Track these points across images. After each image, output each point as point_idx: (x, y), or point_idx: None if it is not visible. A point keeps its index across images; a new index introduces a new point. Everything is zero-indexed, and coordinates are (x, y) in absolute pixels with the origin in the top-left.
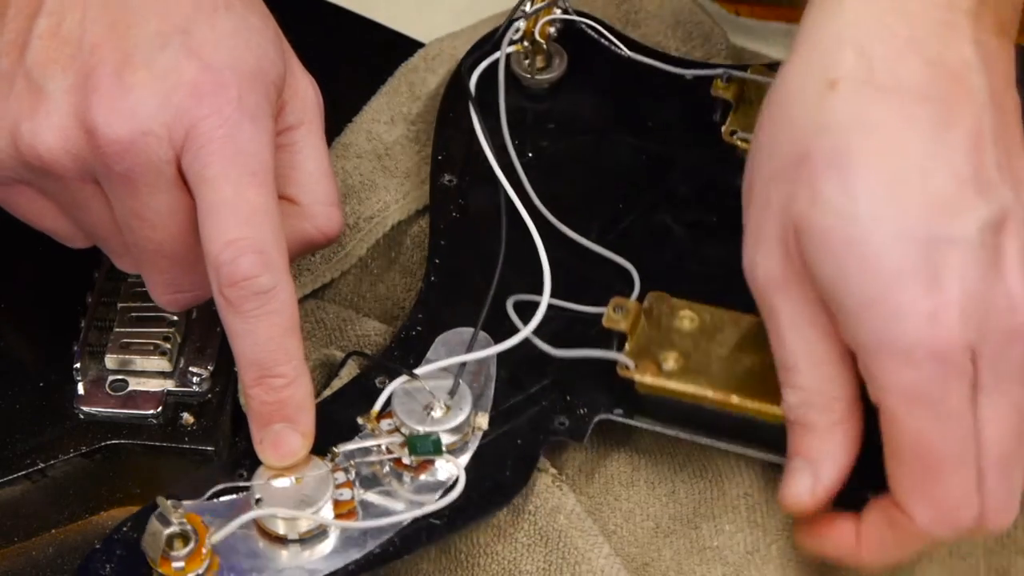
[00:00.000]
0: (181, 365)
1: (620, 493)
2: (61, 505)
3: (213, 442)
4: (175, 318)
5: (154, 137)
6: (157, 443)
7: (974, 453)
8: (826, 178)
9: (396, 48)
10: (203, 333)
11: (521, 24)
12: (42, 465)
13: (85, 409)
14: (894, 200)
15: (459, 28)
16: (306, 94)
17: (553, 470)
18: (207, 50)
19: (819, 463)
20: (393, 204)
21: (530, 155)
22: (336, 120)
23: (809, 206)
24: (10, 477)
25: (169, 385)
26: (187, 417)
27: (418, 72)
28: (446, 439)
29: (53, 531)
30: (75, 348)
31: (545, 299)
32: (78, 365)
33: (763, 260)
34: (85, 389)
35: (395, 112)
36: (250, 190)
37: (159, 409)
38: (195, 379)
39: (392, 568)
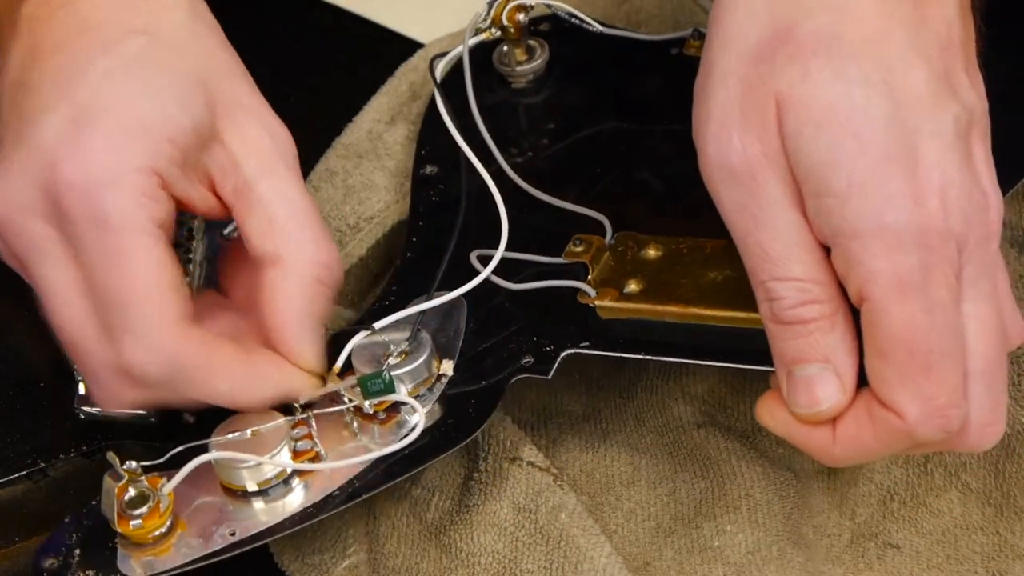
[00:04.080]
0: None
1: (621, 493)
2: (61, 505)
3: None
4: None
5: (28, 216)
6: (157, 443)
7: (961, 350)
8: (816, 57)
9: (396, 48)
10: None
11: (491, 12)
12: (42, 465)
13: (85, 409)
14: (884, 85)
15: (459, 28)
16: (260, 144)
17: (554, 469)
18: (83, 119)
19: (836, 358)
20: (393, 204)
21: (518, 147)
22: (336, 120)
23: (800, 83)
24: (10, 477)
25: None
26: (187, 417)
27: (418, 72)
28: (407, 385)
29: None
30: None
31: (503, 244)
32: None
33: (741, 139)
34: (85, 389)
35: (396, 112)
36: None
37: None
38: None
39: (392, 567)
